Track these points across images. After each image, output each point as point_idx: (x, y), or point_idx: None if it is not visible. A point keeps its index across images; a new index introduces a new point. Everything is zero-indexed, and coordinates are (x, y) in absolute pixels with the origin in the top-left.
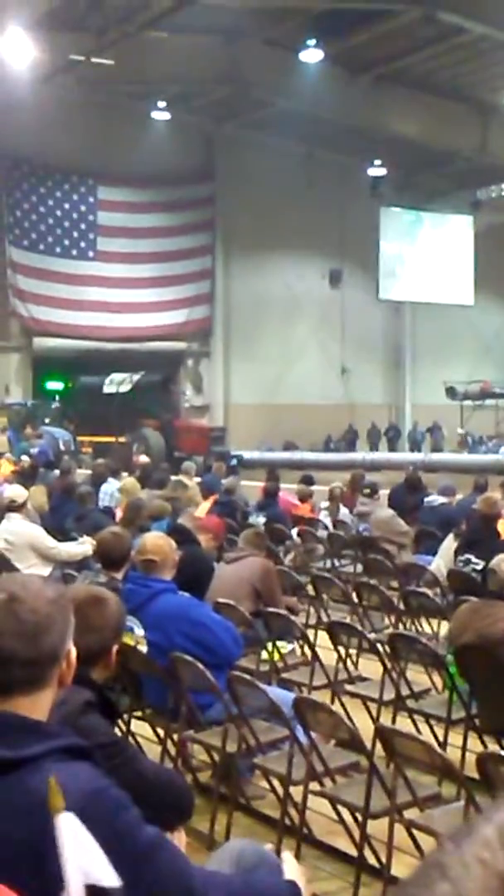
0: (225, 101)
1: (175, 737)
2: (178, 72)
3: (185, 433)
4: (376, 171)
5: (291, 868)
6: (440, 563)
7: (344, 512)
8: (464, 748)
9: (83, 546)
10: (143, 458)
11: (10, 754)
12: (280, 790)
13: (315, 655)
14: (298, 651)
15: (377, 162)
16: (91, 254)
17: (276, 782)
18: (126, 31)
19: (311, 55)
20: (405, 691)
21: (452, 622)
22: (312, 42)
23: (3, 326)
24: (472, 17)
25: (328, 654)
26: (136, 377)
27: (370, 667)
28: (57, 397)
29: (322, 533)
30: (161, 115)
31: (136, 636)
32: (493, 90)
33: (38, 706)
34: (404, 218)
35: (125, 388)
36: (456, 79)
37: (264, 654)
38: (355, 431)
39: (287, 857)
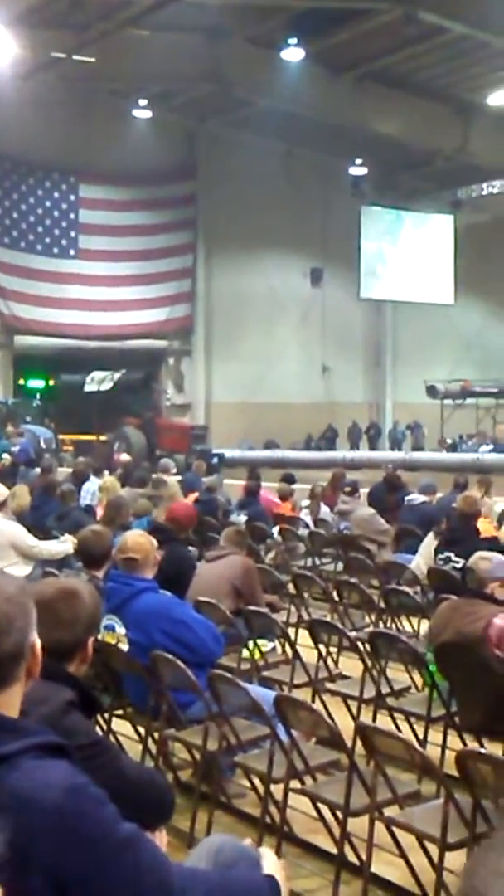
0: (206, 100)
1: (156, 735)
2: (159, 70)
3: (167, 431)
4: (357, 170)
5: (270, 863)
6: (420, 561)
7: (325, 510)
8: (443, 746)
9: (64, 544)
10: (125, 457)
11: None
12: (261, 788)
13: (296, 653)
14: (279, 649)
15: (358, 161)
16: (72, 252)
17: (256, 780)
18: (108, 28)
19: (293, 54)
20: (385, 689)
21: (433, 620)
22: (294, 40)
23: None
24: (453, 17)
25: (309, 653)
26: (117, 375)
27: (351, 665)
28: (38, 395)
29: (303, 531)
30: (143, 112)
31: (118, 634)
32: (474, 90)
33: (9, 703)
34: (385, 217)
35: (106, 386)
36: (437, 78)
37: (245, 653)
38: (335, 430)
39: (266, 851)
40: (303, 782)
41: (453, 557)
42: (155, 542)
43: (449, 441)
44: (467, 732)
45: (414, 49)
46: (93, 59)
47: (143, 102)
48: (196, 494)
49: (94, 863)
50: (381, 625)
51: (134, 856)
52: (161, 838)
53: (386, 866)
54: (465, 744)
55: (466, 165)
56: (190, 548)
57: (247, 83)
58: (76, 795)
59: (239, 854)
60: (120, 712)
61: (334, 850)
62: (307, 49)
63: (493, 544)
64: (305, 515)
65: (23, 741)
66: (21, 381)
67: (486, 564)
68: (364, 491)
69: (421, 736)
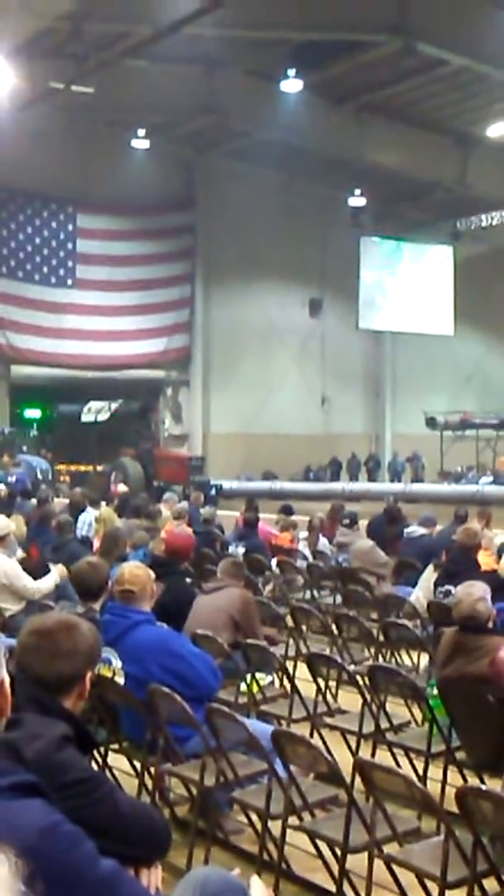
0: (205, 131)
1: (152, 770)
2: (158, 100)
3: (164, 462)
4: (356, 200)
5: (258, 892)
6: (420, 594)
7: (323, 542)
8: (444, 782)
9: (52, 577)
10: (122, 488)
11: None
12: (258, 824)
13: (294, 687)
14: (277, 683)
15: (357, 192)
16: (70, 281)
17: (254, 816)
18: (106, 59)
19: (292, 85)
20: (385, 724)
21: (437, 652)
22: (293, 72)
23: None
24: (452, 49)
25: (307, 686)
26: (114, 405)
27: (349, 699)
28: (34, 425)
29: (301, 563)
30: (141, 143)
31: (114, 667)
32: (473, 122)
33: None
34: (384, 248)
35: (103, 416)
36: (436, 110)
37: (243, 687)
38: (339, 462)
39: (255, 881)
40: (301, 819)
41: (453, 591)
42: (152, 574)
43: (459, 469)
44: (468, 768)
45: (413, 81)
46: (91, 90)
47: (141, 133)
48: (183, 523)
49: None
50: (380, 658)
51: (112, 894)
52: (156, 874)
53: None
54: (465, 780)
55: (466, 197)
56: (187, 580)
57: (245, 114)
58: (49, 836)
59: (225, 885)
60: (116, 747)
61: (333, 888)
62: (306, 80)
63: (493, 577)
64: (304, 547)
65: None
66: (17, 411)
67: (484, 605)
68: (363, 523)
69: (421, 772)
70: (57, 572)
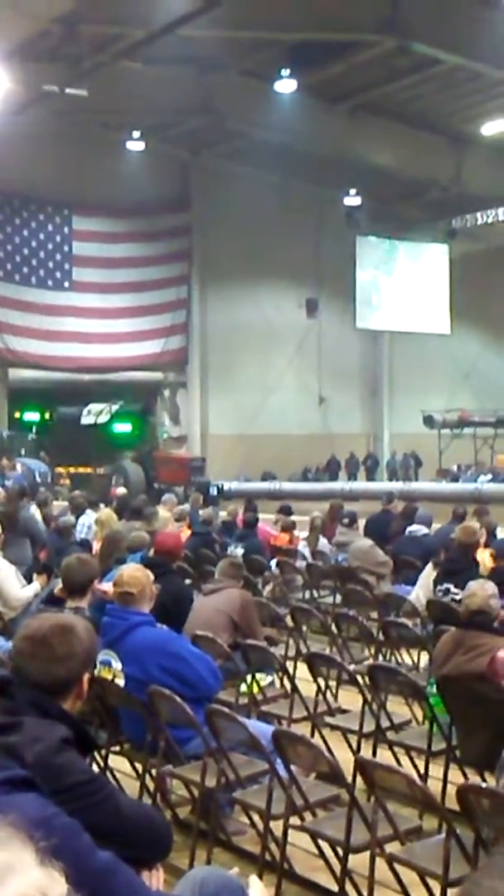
0: (200, 131)
1: (153, 772)
2: (153, 102)
3: (165, 464)
4: (352, 200)
5: (257, 891)
6: (419, 592)
7: (322, 542)
8: (444, 780)
9: (33, 587)
10: (121, 490)
11: None
12: (260, 825)
13: (294, 687)
14: (278, 683)
15: (353, 191)
16: (67, 284)
17: (255, 817)
18: (100, 61)
19: (286, 85)
20: (385, 723)
21: (436, 650)
22: (287, 72)
23: None
24: (445, 48)
25: (308, 686)
26: (114, 408)
27: (350, 698)
28: (33, 428)
29: (301, 563)
30: (136, 144)
31: (114, 669)
32: (468, 120)
33: None
34: (380, 247)
35: (103, 418)
36: (431, 109)
37: (243, 687)
38: (338, 462)
39: (253, 880)
40: (302, 818)
41: (452, 589)
42: (151, 576)
43: (457, 467)
44: (469, 766)
45: (407, 80)
46: (85, 93)
47: (136, 134)
48: (184, 525)
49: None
50: (380, 657)
51: (109, 886)
52: (158, 876)
53: None
54: (466, 777)
55: (461, 195)
56: (187, 581)
57: (240, 115)
58: (46, 829)
59: (223, 884)
60: (117, 749)
61: (335, 888)
62: (300, 81)
63: (493, 575)
64: (304, 547)
65: None
66: (16, 415)
67: (496, 602)
68: (362, 522)
69: (422, 770)
70: (38, 583)
